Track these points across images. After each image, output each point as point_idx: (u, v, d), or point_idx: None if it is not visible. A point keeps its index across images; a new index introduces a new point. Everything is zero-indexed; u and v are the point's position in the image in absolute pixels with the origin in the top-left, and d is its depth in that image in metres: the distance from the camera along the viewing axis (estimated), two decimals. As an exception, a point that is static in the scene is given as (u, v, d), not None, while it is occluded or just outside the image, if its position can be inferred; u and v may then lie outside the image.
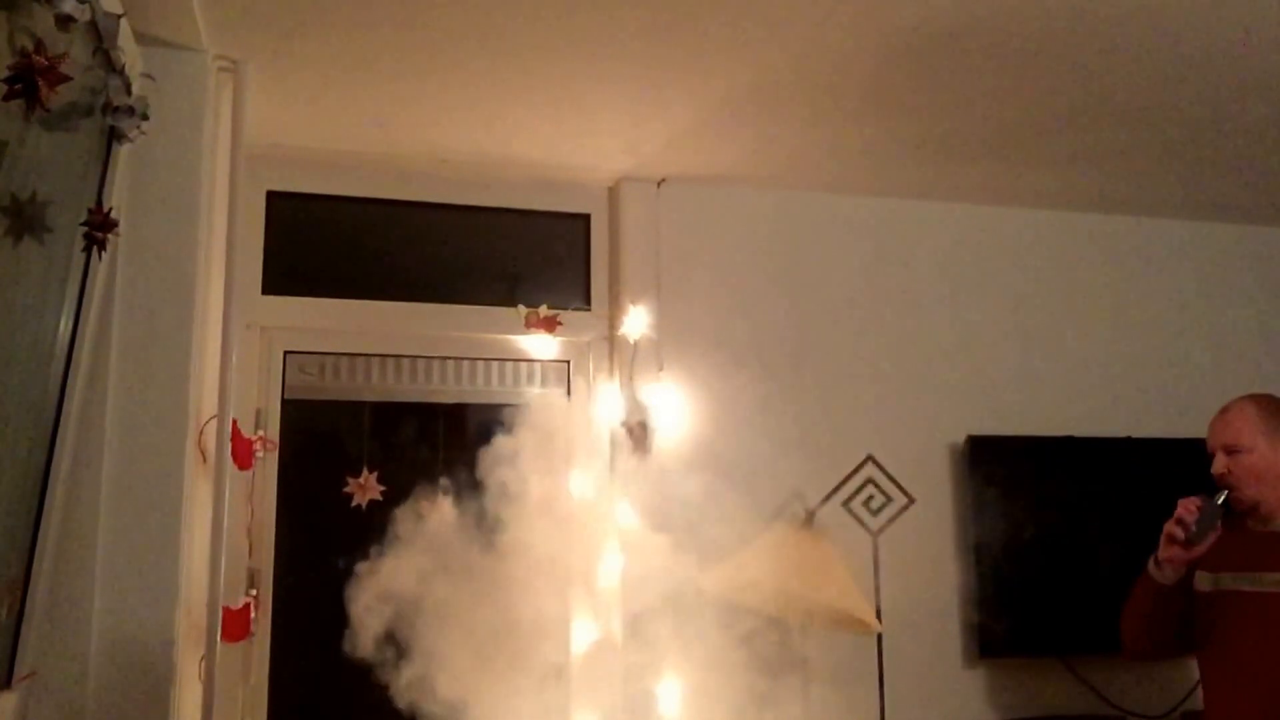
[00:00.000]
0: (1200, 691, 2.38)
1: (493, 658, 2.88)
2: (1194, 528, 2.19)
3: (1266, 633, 2.18)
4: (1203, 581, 2.32)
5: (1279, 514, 2.27)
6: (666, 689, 2.85)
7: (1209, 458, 2.33)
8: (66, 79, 1.36)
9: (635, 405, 2.96)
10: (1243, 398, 2.35)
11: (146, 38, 2.05)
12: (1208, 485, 2.31)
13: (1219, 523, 2.21)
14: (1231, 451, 2.27)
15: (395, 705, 2.83)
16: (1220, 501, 2.24)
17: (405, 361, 3.01)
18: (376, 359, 2.98)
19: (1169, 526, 2.23)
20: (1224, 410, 2.35)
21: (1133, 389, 3.38)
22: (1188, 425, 3.10)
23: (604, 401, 3.05)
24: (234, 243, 2.32)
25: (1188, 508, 2.21)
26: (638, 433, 2.92)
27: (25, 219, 1.42)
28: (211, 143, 2.24)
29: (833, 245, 3.24)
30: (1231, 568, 2.27)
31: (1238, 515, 2.30)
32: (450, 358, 3.04)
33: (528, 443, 2.74)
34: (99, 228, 1.62)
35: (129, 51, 1.83)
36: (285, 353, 2.89)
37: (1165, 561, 2.26)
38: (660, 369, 3.01)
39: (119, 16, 1.68)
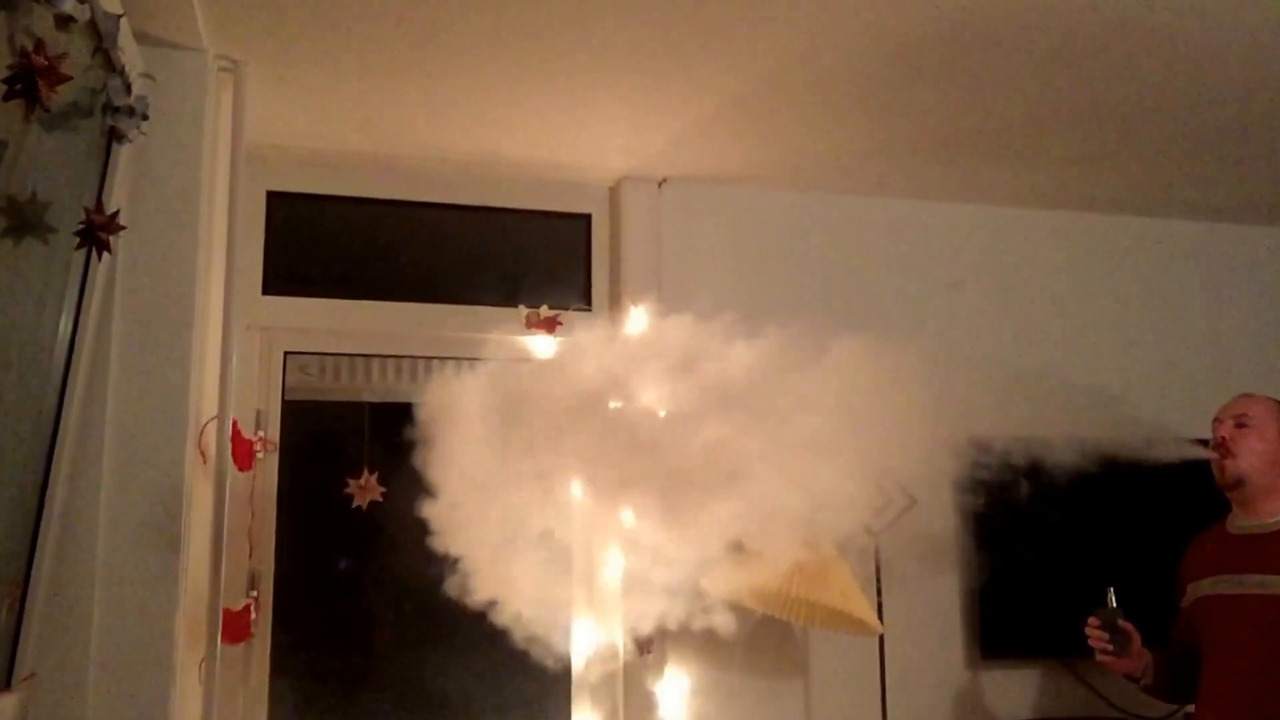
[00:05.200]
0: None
1: (494, 657, 2.87)
2: (1113, 645, 2.26)
3: (1248, 634, 2.17)
4: (1192, 594, 2.32)
5: (1258, 506, 2.26)
6: (667, 690, 2.85)
7: (1212, 431, 2.32)
8: (66, 79, 1.36)
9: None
10: (1265, 396, 2.36)
11: (146, 37, 2.05)
12: (1206, 485, 2.31)
13: (1121, 622, 2.27)
14: (1241, 424, 2.27)
15: (396, 705, 2.83)
16: (1113, 605, 2.29)
17: (405, 362, 3.01)
18: (376, 359, 2.98)
19: (1099, 659, 2.30)
20: (1244, 393, 2.35)
21: (1134, 389, 3.38)
22: (1188, 425, 3.10)
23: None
24: (234, 243, 2.32)
25: (1093, 635, 2.28)
26: (638, 433, 2.91)
27: (25, 219, 1.42)
28: (212, 143, 2.24)
29: (834, 245, 3.23)
30: (1212, 572, 2.27)
31: (1221, 488, 2.30)
32: (451, 358, 3.04)
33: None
34: (103, 229, 1.62)
35: (129, 51, 1.82)
36: (285, 353, 2.89)
37: (1123, 673, 2.32)
38: (661, 369, 3.01)
39: (119, 16, 1.68)
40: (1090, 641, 2.29)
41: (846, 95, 2.54)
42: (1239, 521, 2.28)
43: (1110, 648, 2.26)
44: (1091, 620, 2.29)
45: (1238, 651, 2.19)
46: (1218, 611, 2.24)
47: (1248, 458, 2.24)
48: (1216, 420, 2.33)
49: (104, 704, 1.94)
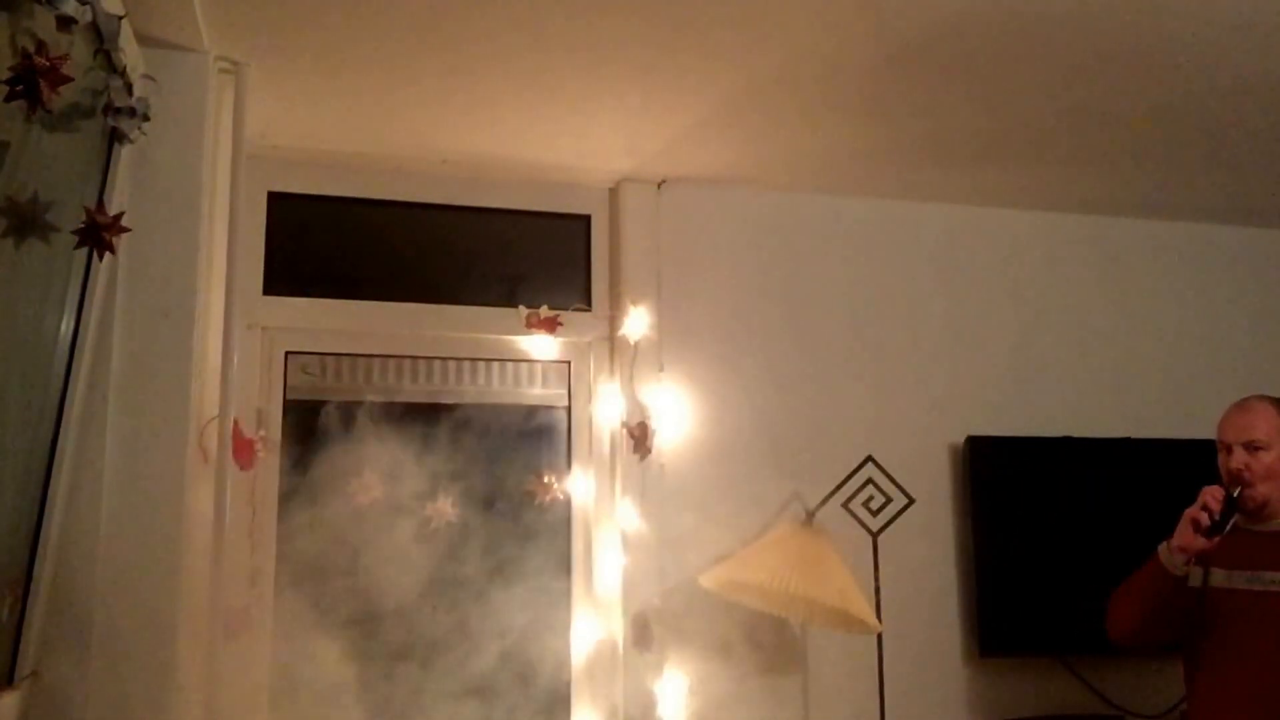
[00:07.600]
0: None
1: (494, 658, 2.88)
2: (1218, 516, 2.17)
3: (1265, 631, 2.18)
4: (1193, 577, 2.32)
5: (1272, 512, 2.27)
6: (666, 689, 2.86)
7: (1221, 451, 2.31)
8: (68, 80, 1.36)
9: (636, 406, 2.97)
10: (1259, 396, 2.34)
11: (148, 39, 2.06)
12: (1207, 484, 2.31)
13: (1233, 517, 2.21)
14: (1252, 448, 2.26)
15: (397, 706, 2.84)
16: (1236, 495, 2.23)
17: (406, 362, 3.01)
18: (377, 359, 2.98)
19: (1193, 512, 2.20)
20: (1243, 407, 2.33)
21: (1133, 389, 3.38)
22: (1187, 425, 3.11)
23: (604, 402, 3.06)
24: (235, 243, 2.32)
25: (1214, 495, 2.20)
26: (638, 433, 2.92)
27: (26, 219, 1.43)
28: (212, 143, 2.24)
29: (833, 246, 3.24)
30: (1224, 564, 2.27)
31: (1241, 514, 2.29)
32: (451, 358, 3.04)
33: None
34: (108, 230, 1.62)
35: (130, 52, 1.83)
36: (286, 353, 2.89)
37: (1179, 549, 2.22)
38: (660, 369, 3.02)
39: (120, 18, 1.68)
40: (1207, 500, 2.19)
41: (846, 96, 2.54)
42: (1265, 518, 2.28)
43: (1218, 519, 2.17)
44: (1215, 490, 2.20)
45: (1252, 648, 2.19)
46: (1230, 606, 2.24)
47: (1267, 481, 2.25)
48: (1226, 448, 2.31)
49: (104, 704, 1.95)
